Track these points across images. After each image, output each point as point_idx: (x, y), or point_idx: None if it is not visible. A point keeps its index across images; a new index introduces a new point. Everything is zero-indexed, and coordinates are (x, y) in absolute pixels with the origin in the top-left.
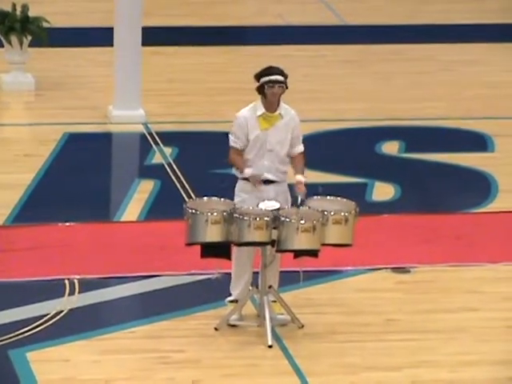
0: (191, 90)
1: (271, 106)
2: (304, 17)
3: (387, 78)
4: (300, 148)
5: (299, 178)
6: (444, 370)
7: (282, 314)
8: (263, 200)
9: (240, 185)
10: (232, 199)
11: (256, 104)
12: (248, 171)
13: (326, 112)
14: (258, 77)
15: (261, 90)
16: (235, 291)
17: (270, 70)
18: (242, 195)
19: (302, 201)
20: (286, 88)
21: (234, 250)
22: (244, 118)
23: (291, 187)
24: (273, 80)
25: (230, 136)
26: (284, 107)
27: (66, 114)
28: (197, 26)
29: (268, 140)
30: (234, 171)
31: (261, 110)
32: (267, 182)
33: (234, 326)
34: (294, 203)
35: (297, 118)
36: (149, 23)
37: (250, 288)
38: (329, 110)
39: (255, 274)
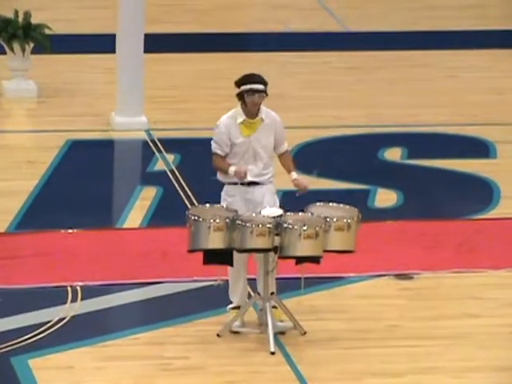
0: (194, 97)
1: (251, 113)
2: (306, 23)
3: (390, 84)
4: (284, 147)
5: (294, 175)
6: (447, 376)
7: (282, 321)
8: (250, 201)
9: (225, 189)
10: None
11: (236, 110)
12: (232, 169)
13: (329, 118)
14: (238, 84)
15: (241, 97)
16: (234, 297)
17: (250, 79)
18: (228, 199)
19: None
20: (266, 95)
21: None
22: (225, 126)
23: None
24: (253, 89)
25: (212, 143)
26: (265, 111)
27: (68, 121)
28: (199, 32)
29: (252, 146)
30: (218, 176)
31: (241, 117)
32: (252, 183)
33: (236, 332)
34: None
35: (278, 120)
36: (151, 30)
37: (253, 295)
38: (331, 117)
39: (254, 280)
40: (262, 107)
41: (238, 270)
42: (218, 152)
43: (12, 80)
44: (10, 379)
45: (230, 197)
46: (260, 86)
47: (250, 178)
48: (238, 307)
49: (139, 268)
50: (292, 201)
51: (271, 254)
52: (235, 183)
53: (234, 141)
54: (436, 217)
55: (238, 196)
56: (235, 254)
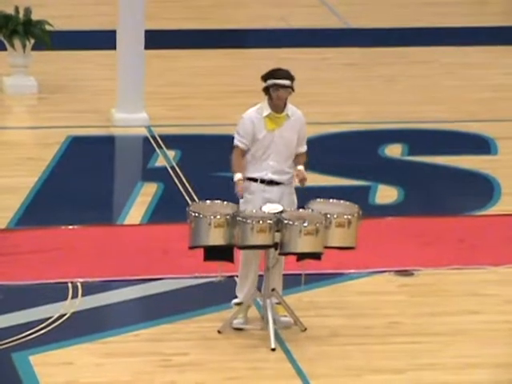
0: (194, 93)
1: (277, 107)
2: (307, 20)
3: (390, 80)
4: (304, 148)
5: (300, 167)
6: (447, 372)
7: (286, 316)
8: (268, 200)
9: (245, 185)
10: (235, 202)
11: (262, 105)
12: (237, 177)
13: (329, 115)
14: (264, 78)
15: (267, 91)
16: (241, 294)
17: (276, 73)
18: (247, 196)
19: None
20: (293, 91)
21: (241, 252)
22: (250, 119)
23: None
24: (278, 84)
25: (235, 135)
26: (291, 108)
27: (68, 117)
28: (200, 29)
29: (274, 141)
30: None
31: (267, 111)
32: (271, 182)
33: (237, 329)
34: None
35: (303, 120)
36: (151, 26)
37: (253, 291)
38: (332, 113)
39: (259, 277)
40: (289, 104)
41: (248, 268)
42: (239, 145)
43: (12, 76)
44: (10, 375)
45: (250, 194)
46: (285, 82)
47: (271, 176)
48: (242, 303)
49: (140, 264)
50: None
51: (272, 250)
52: (255, 180)
53: (257, 135)
54: (437, 213)
55: (257, 194)
56: (249, 253)
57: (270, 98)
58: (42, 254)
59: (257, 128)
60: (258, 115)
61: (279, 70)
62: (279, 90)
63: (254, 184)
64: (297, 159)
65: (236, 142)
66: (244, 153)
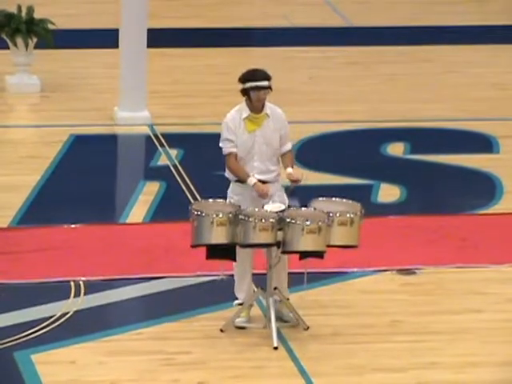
0: (197, 92)
1: (256, 108)
2: (309, 18)
3: (392, 79)
4: (288, 146)
5: (289, 170)
6: (449, 371)
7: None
8: (256, 200)
9: (232, 187)
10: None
11: (241, 106)
12: (252, 181)
13: (332, 113)
14: (242, 80)
15: (245, 93)
16: (240, 294)
17: (255, 75)
18: (234, 197)
19: (293, 191)
20: (271, 90)
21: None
22: (231, 121)
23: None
24: (259, 86)
25: (223, 143)
26: (270, 106)
27: (71, 115)
28: (202, 27)
29: (256, 141)
30: (226, 174)
31: (246, 113)
32: (259, 182)
33: (239, 327)
34: (287, 193)
35: (284, 117)
36: (154, 25)
37: (256, 290)
38: (334, 112)
39: (263, 275)
40: (267, 103)
41: (243, 266)
42: (232, 150)
43: (15, 75)
44: (12, 374)
45: (237, 195)
46: (265, 83)
47: (256, 176)
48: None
49: (142, 263)
50: (295, 196)
51: (274, 248)
52: (242, 181)
53: (239, 136)
54: (439, 212)
55: (245, 195)
56: (241, 251)
57: (249, 100)
58: (45, 252)
59: (238, 130)
60: (238, 117)
61: (256, 71)
62: (260, 92)
63: (241, 185)
64: (284, 160)
65: (228, 149)
66: (237, 156)
